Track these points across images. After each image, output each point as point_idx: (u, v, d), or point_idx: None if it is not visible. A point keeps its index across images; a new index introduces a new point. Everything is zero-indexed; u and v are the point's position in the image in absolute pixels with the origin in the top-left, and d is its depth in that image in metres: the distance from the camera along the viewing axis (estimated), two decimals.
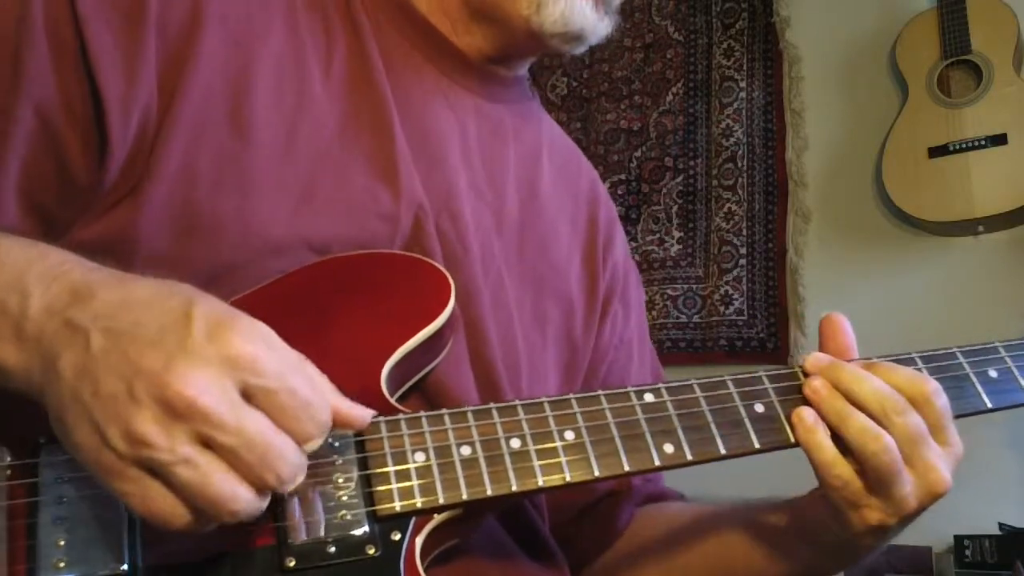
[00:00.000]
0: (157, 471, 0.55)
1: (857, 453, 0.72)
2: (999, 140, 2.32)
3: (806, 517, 0.83)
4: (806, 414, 0.74)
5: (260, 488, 0.57)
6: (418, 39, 0.91)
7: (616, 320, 1.05)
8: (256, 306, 0.73)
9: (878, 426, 0.72)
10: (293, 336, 0.63)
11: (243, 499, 0.56)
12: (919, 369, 0.79)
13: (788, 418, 0.75)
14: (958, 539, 2.07)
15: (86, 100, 0.72)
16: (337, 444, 0.67)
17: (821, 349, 0.80)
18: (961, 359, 0.81)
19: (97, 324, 0.57)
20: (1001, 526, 2.06)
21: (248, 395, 0.56)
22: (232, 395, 0.56)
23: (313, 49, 0.83)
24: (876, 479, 0.73)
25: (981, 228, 2.37)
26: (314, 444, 0.60)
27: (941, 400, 0.74)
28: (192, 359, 0.55)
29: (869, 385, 0.74)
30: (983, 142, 2.33)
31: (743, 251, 2.71)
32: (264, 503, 0.58)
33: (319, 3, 0.86)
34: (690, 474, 0.79)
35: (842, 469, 0.73)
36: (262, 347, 0.57)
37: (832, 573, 0.86)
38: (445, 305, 0.77)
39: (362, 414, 0.64)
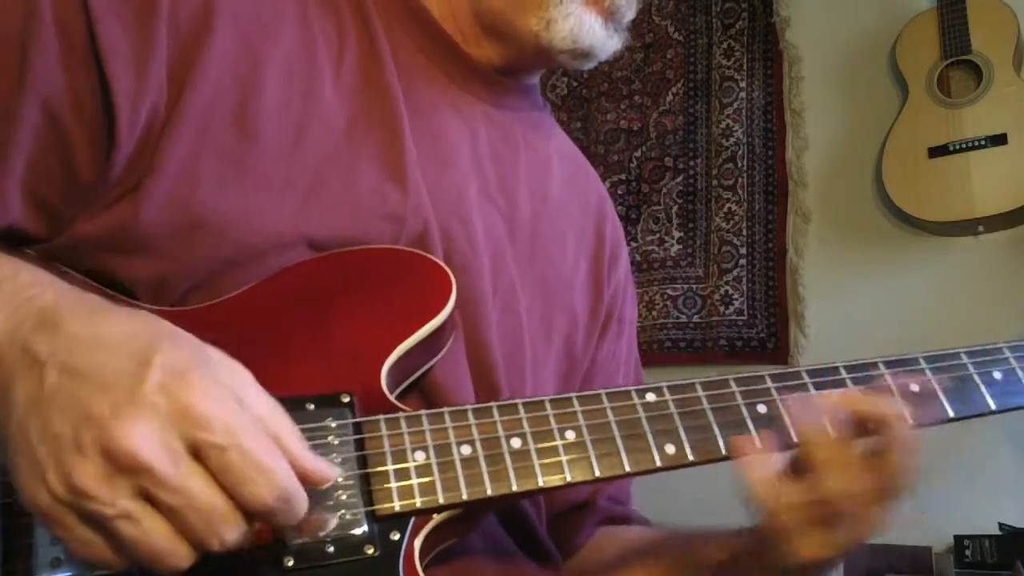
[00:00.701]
0: (96, 522, 0.53)
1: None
2: (999, 140, 2.32)
3: (741, 550, 0.80)
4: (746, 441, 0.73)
5: (201, 549, 0.55)
6: (429, 44, 0.91)
7: (610, 337, 1.05)
8: (258, 302, 0.73)
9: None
10: (293, 332, 0.63)
11: (183, 557, 0.55)
12: (922, 370, 0.79)
13: (790, 418, 0.75)
14: (958, 539, 2.06)
15: (95, 95, 0.72)
16: (337, 442, 0.67)
17: None
18: (965, 360, 0.80)
19: (55, 358, 0.55)
20: (1001, 526, 2.06)
21: (197, 452, 0.54)
22: (177, 451, 0.53)
23: (325, 49, 0.83)
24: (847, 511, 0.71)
25: (981, 228, 2.36)
26: (269, 505, 0.56)
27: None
28: (139, 409, 0.53)
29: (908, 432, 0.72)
30: (983, 142, 2.33)
31: (743, 251, 2.71)
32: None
33: (332, 4, 0.86)
34: (694, 475, 0.78)
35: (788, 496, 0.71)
36: (216, 401, 0.54)
37: None
38: (446, 301, 0.76)
39: (328, 473, 0.60)
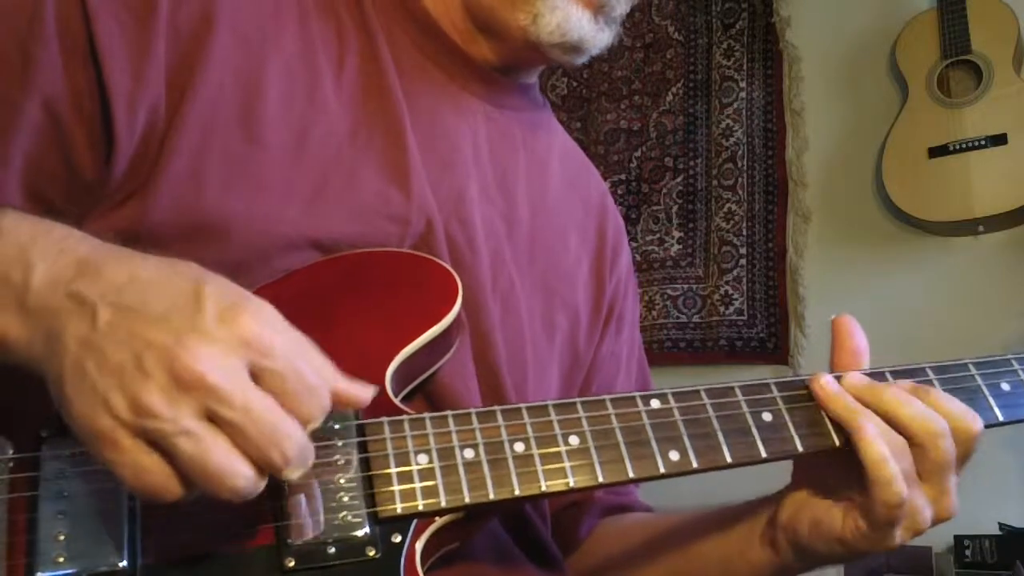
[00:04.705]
0: (158, 442, 0.55)
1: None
2: (999, 140, 2.32)
3: (816, 533, 0.79)
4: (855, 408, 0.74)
5: (263, 466, 0.57)
6: (429, 46, 0.91)
7: (611, 333, 1.05)
8: None
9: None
10: None
11: (243, 475, 0.56)
12: (930, 380, 0.79)
13: (796, 427, 0.74)
14: (958, 539, 2.07)
15: (93, 96, 0.72)
16: (341, 444, 0.67)
17: (833, 353, 0.79)
18: (973, 371, 0.80)
19: (105, 299, 0.57)
20: (1001, 526, 2.06)
21: (256, 375, 0.57)
22: (241, 373, 0.56)
23: (325, 53, 0.83)
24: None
25: (981, 228, 2.37)
26: (313, 425, 0.59)
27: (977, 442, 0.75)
28: (203, 336, 0.55)
29: (912, 408, 0.74)
30: (983, 142, 2.33)
31: (743, 251, 2.71)
32: (262, 483, 0.58)
33: (331, 8, 0.87)
34: (694, 481, 0.78)
35: (900, 492, 0.72)
36: (269, 329, 0.58)
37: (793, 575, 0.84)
38: (452, 305, 0.77)
39: (363, 392, 0.63)
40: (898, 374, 0.79)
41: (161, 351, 0.54)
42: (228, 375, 0.55)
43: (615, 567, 0.95)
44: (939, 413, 0.74)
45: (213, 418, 0.55)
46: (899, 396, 0.74)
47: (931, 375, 0.79)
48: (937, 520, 0.75)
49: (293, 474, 0.58)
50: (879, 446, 0.72)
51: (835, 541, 0.77)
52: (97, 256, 0.60)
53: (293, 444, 0.57)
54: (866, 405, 0.74)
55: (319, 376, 0.59)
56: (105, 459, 0.55)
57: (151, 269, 0.59)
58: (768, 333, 2.64)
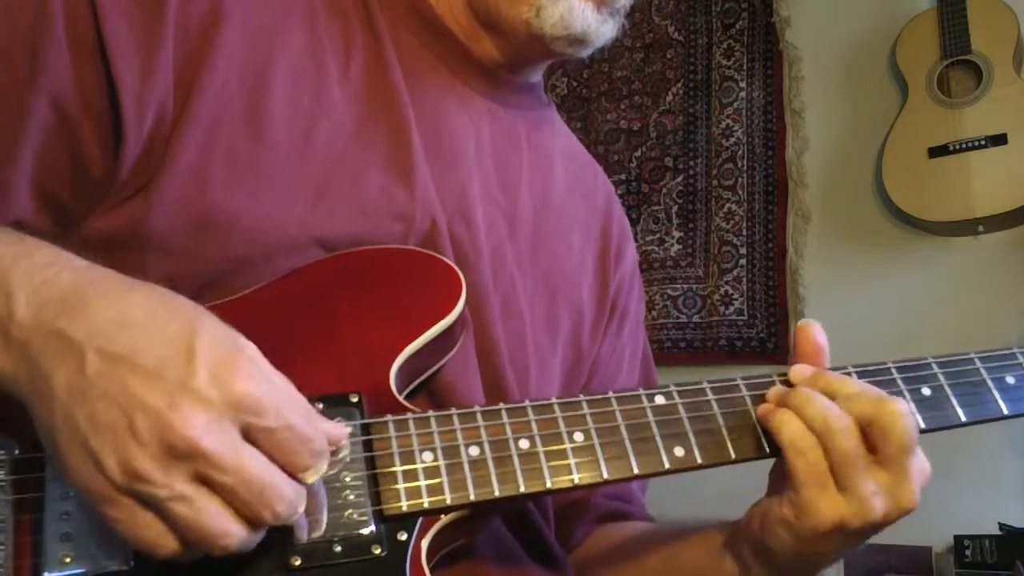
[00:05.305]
0: (151, 505, 0.55)
1: (821, 431, 0.70)
2: (999, 140, 2.32)
3: (764, 524, 0.77)
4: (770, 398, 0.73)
5: (254, 524, 0.57)
6: (434, 44, 0.91)
7: (612, 331, 1.05)
8: (267, 301, 0.73)
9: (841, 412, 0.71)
10: (303, 332, 0.63)
11: (235, 535, 0.56)
12: (935, 374, 0.78)
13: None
14: (958, 539, 2.07)
15: (102, 94, 0.72)
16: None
17: (794, 359, 0.78)
18: (978, 364, 0.80)
19: (92, 343, 0.56)
20: (1001, 526, 2.06)
21: (248, 433, 0.56)
22: (233, 436, 0.56)
23: (331, 51, 0.83)
24: (839, 463, 0.70)
25: (981, 228, 2.37)
26: (313, 474, 0.59)
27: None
28: (195, 399, 0.55)
29: (870, 389, 0.73)
30: (983, 142, 2.33)
31: (743, 251, 2.71)
32: (258, 536, 0.58)
33: (338, 7, 0.87)
34: (695, 480, 0.78)
35: (810, 439, 0.70)
36: (263, 386, 0.57)
37: None
38: (456, 302, 0.77)
39: (339, 432, 0.62)
40: (902, 368, 0.79)
41: (154, 416, 0.54)
42: (221, 441, 0.55)
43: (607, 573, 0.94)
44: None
45: (206, 481, 0.55)
46: (855, 381, 0.73)
47: (936, 368, 0.79)
48: (896, 511, 0.70)
49: (289, 523, 0.59)
50: (790, 421, 0.71)
51: (778, 524, 0.73)
52: (83, 288, 0.59)
53: (283, 501, 0.57)
54: (825, 394, 0.72)
55: (311, 426, 0.59)
56: (101, 512, 0.56)
57: (140, 308, 0.58)
58: (768, 333, 2.64)
